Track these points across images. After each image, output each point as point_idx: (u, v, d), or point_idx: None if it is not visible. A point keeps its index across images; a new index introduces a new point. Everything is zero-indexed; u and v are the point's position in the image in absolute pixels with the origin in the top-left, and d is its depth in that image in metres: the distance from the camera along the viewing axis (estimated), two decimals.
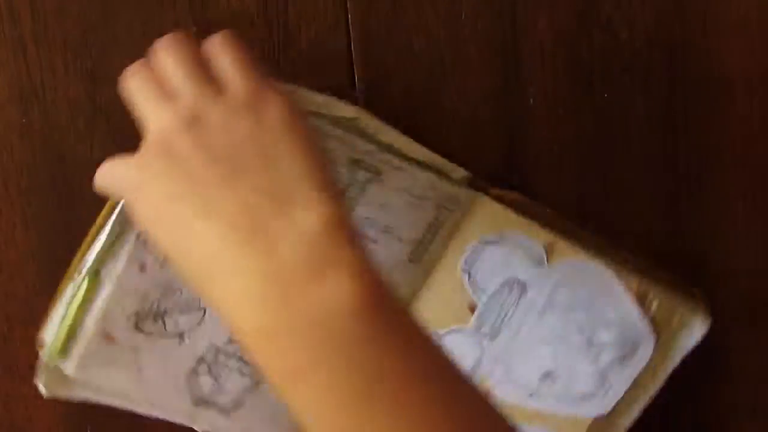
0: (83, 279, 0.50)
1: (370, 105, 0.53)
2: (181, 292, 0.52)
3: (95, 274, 0.51)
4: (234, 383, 0.54)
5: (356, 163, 0.51)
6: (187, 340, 0.53)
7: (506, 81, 0.53)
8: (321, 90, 0.53)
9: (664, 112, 0.54)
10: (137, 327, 0.52)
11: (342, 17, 0.52)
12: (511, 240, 0.53)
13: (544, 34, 0.52)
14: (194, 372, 0.54)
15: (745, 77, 0.53)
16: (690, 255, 0.55)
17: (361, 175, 0.51)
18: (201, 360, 0.54)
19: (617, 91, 0.53)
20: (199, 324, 0.53)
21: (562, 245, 0.52)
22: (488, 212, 0.53)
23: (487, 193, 0.53)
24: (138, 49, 0.52)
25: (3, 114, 0.53)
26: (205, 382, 0.54)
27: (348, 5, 0.52)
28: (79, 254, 0.51)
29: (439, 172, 0.53)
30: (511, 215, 0.53)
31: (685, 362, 0.59)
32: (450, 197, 0.52)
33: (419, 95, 0.53)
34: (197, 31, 0.52)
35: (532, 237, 0.53)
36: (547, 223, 0.53)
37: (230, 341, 0.54)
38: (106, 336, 0.51)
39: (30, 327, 0.58)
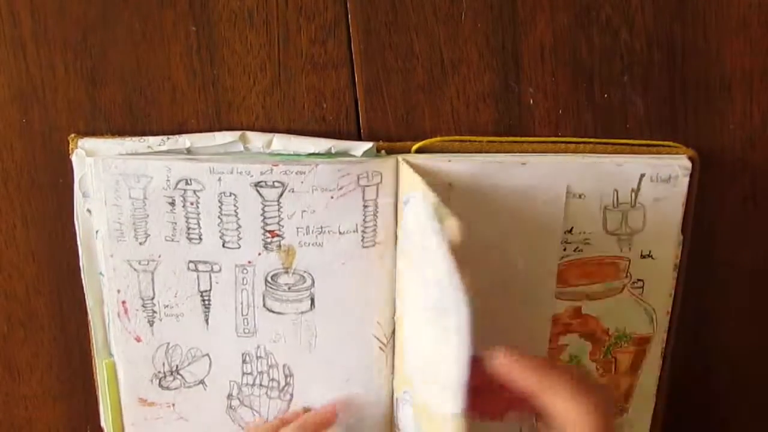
0: (102, 362, 0.56)
1: (370, 105, 0.54)
2: (180, 347, 0.56)
3: (109, 355, 0.56)
4: (268, 406, 0.57)
5: (259, 185, 0.51)
6: (209, 384, 0.57)
7: (506, 81, 0.53)
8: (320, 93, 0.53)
9: (664, 112, 0.54)
10: (162, 386, 0.56)
11: (342, 17, 0.52)
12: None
13: (544, 34, 0.52)
14: (231, 408, 0.57)
15: (745, 77, 0.53)
16: (690, 255, 0.55)
17: (271, 192, 0.52)
18: (230, 396, 0.57)
19: (617, 91, 0.53)
20: (210, 367, 0.56)
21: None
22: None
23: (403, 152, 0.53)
24: (138, 49, 0.52)
25: (3, 114, 0.53)
26: (245, 412, 0.57)
27: (348, 5, 0.52)
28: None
29: (341, 155, 0.53)
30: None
31: (685, 362, 0.59)
32: (366, 173, 0.52)
33: (419, 95, 0.53)
34: (197, 31, 0.52)
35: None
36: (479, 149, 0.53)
37: (243, 373, 0.56)
38: (142, 401, 0.57)
39: (30, 327, 0.58)
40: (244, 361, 0.56)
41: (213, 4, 0.52)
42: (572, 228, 0.53)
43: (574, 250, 0.53)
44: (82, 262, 0.55)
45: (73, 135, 0.53)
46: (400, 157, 0.53)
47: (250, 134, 0.53)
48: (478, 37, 0.52)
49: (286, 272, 0.54)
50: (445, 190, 0.52)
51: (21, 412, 0.60)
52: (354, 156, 0.53)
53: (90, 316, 0.56)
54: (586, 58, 0.53)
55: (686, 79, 0.53)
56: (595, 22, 0.52)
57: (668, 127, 0.54)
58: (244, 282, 0.54)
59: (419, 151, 0.53)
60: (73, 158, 0.53)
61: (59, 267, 0.57)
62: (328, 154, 0.53)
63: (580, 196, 0.52)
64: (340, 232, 0.53)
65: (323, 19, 0.52)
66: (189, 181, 0.52)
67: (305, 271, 0.54)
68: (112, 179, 0.52)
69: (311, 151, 0.53)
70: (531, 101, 0.53)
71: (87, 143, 0.53)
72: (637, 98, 0.53)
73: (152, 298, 0.54)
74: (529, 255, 0.53)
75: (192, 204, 0.52)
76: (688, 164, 0.52)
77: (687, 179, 0.52)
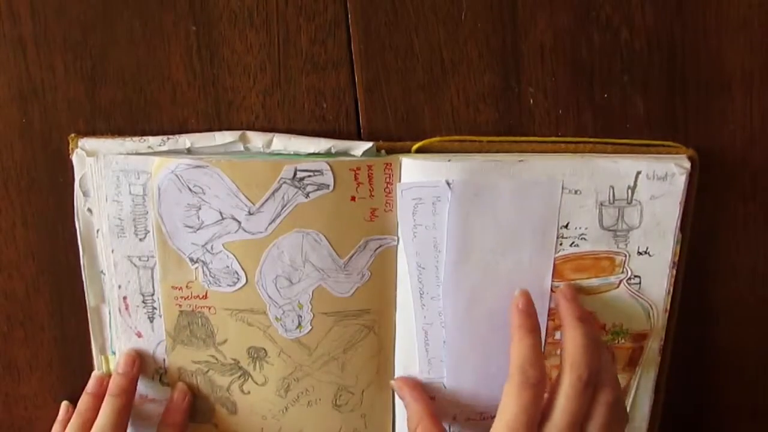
0: (101, 356, 0.57)
1: (370, 105, 0.54)
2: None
3: (110, 353, 0.57)
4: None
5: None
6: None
7: (506, 81, 0.53)
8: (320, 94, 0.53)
9: (664, 112, 0.54)
10: (162, 382, 0.57)
11: (342, 17, 0.52)
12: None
13: (544, 34, 0.52)
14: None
15: (745, 77, 0.53)
16: (690, 254, 0.55)
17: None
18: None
19: (617, 91, 0.53)
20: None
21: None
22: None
23: (404, 152, 0.53)
24: (138, 49, 0.52)
25: (3, 114, 0.53)
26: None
27: (348, 5, 0.52)
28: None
29: (341, 154, 0.53)
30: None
31: (685, 362, 0.59)
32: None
33: (419, 95, 0.53)
34: (197, 31, 0.52)
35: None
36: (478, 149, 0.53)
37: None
38: (142, 398, 0.57)
39: (30, 327, 0.58)
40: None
41: (213, 4, 0.52)
42: (568, 223, 0.53)
43: (570, 245, 0.53)
44: (83, 261, 0.55)
45: (73, 135, 0.53)
46: (400, 157, 0.53)
47: (250, 134, 0.53)
48: (478, 37, 0.52)
49: None
50: (444, 189, 0.52)
51: (21, 412, 0.60)
52: (354, 156, 0.53)
53: (90, 315, 0.56)
54: (586, 58, 0.53)
55: (686, 79, 0.53)
56: (595, 22, 0.52)
57: (668, 127, 0.54)
58: None
59: (419, 150, 0.53)
60: (74, 158, 0.53)
61: (59, 267, 0.57)
62: (328, 154, 0.53)
63: (576, 192, 0.52)
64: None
65: (323, 19, 0.52)
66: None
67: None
68: (113, 175, 0.52)
69: (311, 151, 0.53)
70: (531, 101, 0.53)
71: (87, 143, 0.53)
72: (637, 98, 0.53)
73: (152, 294, 0.54)
74: (526, 250, 0.53)
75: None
76: (686, 163, 0.52)
77: (684, 177, 0.52)
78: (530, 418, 0.48)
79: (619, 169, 0.52)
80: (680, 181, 0.52)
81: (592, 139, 0.54)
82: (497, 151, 0.54)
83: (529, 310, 0.52)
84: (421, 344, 0.56)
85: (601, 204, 0.53)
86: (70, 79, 0.53)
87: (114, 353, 0.56)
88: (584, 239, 0.54)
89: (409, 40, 0.52)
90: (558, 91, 0.53)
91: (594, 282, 0.55)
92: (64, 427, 0.56)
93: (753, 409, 0.61)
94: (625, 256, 0.54)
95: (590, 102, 0.53)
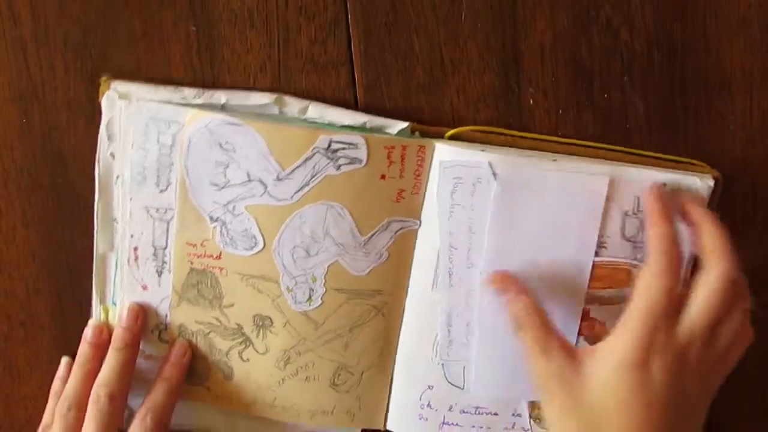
0: (99, 306, 0.56)
1: (371, 105, 0.54)
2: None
3: (113, 304, 0.56)
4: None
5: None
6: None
7: (506, 81, 0.53)
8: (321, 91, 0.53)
9: (664, 112, 0.54)
10: (161, 339, 0.56)
11: (342, 17, 0.52)
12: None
13: (544, 34, 0.52)
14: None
15: (745, 77, 0.53)
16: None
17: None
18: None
19: (617, 91, 0.53)
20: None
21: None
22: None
23: (437, 137, 0.53)
24: (138, 49, 0.52)
25: (3, 114, 0.53)
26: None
27: (348, 5, 0.52)
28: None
29: (375, 131, 0.52)
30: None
31: None
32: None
33: (419, 95, 0.53)
34: (197, 31, 0.52)
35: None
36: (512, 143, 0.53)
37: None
38: (140, 353, 0.56)
39: (30, 327, 0.58)
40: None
41: (213, 4, 0.52)
42: None
43: None
44: (97, 206, 0.54)
45: (105, 77, 0.52)
46: (435, 142, 0.52)
47: (286, 98, 0.52)
48: (478, 37, 0.52)
49: None
50: (486, 171, 0.52)
51: (21, 412, 0.60)
52: (389, 134, 0.52)
53: (95, 262, 0.55)
54: (586, 58, 0.53)
55: (686, 79, 0.53)
56: (595, 22, 0.52)
57: (668, 127, 0.54)
58: None
59: (451, 138, 0.53)
60: (103, 101, 0.52)
61: (59, 267, 0.57)
62: (362, 128, 0.52)
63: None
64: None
65: (323, 19, 0.52)
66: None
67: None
68: (142, 121, 0.51)
69: (346, 123, 0.52)
70: (531, 101, 0.54)
71: (120, 86, 0.52)
72: (637, 98, 0.53)
73: (164, 248, 0.54)
74: (566, 248, 0.53)
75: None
76: (711, 182, 0.52)
77: (707, 195, 0.52)
78: (671, 303, 0.44)
79: (645, 180, 0.52)
80: (703, 198, 0.52)
81: (619, 148, 0.53)
82: (529, 148, 0.53)
83: (665, 197, 0.49)
84: (443, 326, 0.55)
85: (625, 213, 0.52)
86: (70, 79, 0.53)
87: (114, 304, 0.55)
88: (603, 247, 0.53)
89: (409, 40, 0.52)
90: (558, 91, 0.53)
91: (609, 293, 0.54)
92: (65, 383, 0.54)
93: (753, 409, 0.61)
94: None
95: (590, 102, 0.53)
